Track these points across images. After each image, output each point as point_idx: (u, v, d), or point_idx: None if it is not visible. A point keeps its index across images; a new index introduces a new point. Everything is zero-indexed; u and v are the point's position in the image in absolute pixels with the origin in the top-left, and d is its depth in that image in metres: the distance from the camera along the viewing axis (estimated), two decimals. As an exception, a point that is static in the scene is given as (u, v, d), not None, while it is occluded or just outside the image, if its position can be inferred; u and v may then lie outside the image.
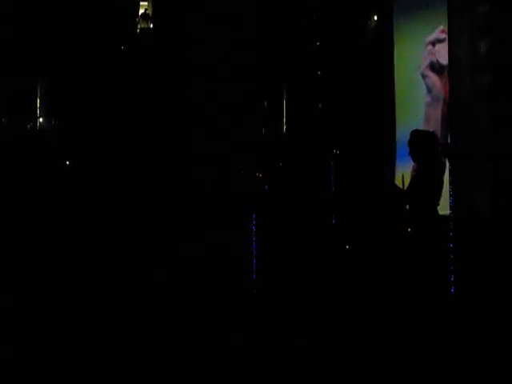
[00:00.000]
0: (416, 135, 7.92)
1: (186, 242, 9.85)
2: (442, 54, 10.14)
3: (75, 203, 10.21)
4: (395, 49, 10.81)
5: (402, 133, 9.56)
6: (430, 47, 10.46)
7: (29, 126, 11.09)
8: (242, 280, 9.34)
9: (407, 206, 8.02)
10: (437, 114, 10.19)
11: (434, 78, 10.42)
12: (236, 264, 9.50)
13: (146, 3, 11.23)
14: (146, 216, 10.12)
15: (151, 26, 11.28)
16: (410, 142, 7.86)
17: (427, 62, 10.52)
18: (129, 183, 10.46)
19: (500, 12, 8.85)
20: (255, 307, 8.46)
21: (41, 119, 11.11)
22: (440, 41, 10.25)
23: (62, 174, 10.69)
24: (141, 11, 11.32)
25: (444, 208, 8.31)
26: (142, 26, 11.25)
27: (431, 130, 8.87)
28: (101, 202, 10.22)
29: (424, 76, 10.57)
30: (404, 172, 8.69)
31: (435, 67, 10.39)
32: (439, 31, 10.27)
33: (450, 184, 8.36)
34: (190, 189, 10.23)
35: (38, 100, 11.10)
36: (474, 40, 9.17)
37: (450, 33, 9.64)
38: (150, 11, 11.29)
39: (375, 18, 10.94)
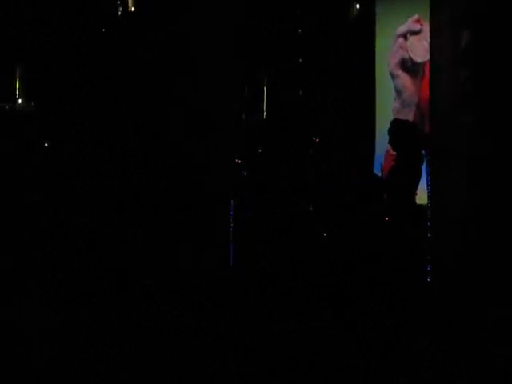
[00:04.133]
0: (396, 124, 7.98)
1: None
2: (415, 50, 8.97)
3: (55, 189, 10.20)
4: (376, 39, 9.86)
5: (382, 122, 9.40)
6: (400, 40, 9.13)
7: (7, 107, 11.02)
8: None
9: (385, 195, 8.07)
10: (407, 122, 8.87)
11: (404, 78, 9.14)
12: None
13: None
14: (122, 210, 10.09)
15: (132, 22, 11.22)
16: (390, 131, 7.91)
17: (397, 59, 9.18)
18: (105, 172, 10.42)
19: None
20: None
21: (20, 100, 11.05)
22: (414, 33, 9.02)
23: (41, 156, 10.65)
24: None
25: (422, 198, 8.35)
26: (124, 17, 11.18)
27: None
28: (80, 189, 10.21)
29: (393, 76, 9.21)
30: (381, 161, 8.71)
31: (407, 65, 9.14)
32: (413, 21, 9.06)
33: (427, 175, 8.37)
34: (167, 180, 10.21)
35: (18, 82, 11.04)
36: (457, 32, 8.19)
37: (431, 24, 8.51)
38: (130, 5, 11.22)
39: (357, 6, 10.73)
